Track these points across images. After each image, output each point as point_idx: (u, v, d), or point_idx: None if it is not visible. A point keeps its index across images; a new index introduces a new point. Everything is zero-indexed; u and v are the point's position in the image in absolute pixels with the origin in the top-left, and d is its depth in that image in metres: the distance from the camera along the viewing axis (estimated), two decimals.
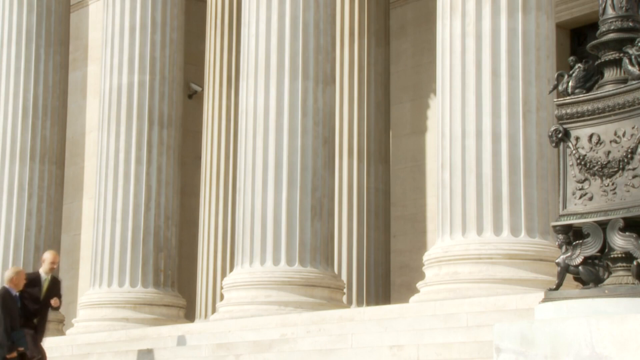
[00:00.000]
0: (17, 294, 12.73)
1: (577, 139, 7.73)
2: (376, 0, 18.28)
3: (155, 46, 16.86)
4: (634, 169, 7.40)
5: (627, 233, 7.29)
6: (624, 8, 7.77)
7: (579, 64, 7.90)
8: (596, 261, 7.51)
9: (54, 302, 13.09)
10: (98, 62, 18.87)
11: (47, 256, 13.40)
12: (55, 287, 13.25)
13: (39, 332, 13.04)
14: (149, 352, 13.34)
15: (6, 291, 12.72)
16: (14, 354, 12.33)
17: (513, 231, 11.88)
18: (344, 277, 16.76)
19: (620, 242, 7.30)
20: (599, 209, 7.51)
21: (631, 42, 7.63)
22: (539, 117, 12.11)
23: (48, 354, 15.29)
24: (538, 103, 12.13)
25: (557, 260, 7.66)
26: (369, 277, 17.39)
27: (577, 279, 7.65)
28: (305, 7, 14.34)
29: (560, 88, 7.95)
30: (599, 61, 7.84)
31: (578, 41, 17.38)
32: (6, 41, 19.12)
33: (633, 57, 7.50)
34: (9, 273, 13.03)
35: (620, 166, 7.47)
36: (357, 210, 17.54)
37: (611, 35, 7.77)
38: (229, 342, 12.69)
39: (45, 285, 13.12)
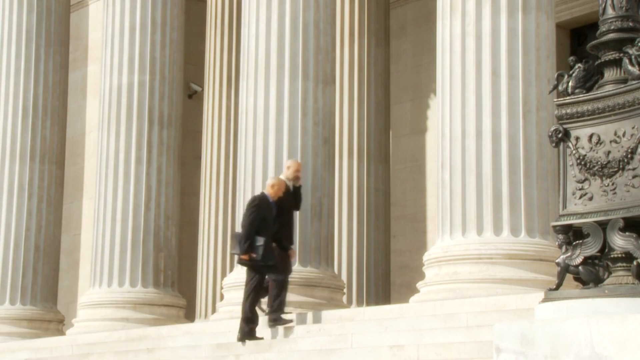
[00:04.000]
0: (274, 202, 12.77)
1: (577, 139, 7.73)
2: (376, 0, 18.27)
3: (155, 46, 16.85)
4: (634, 169, 7.40)
5: (627, 233, 7.29)
6: (624, 8, 7.77)
7: (579, 64, 7.90)
8: (596, 261, 7.51)
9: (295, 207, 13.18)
10: (98, 62, 18.86)
11: (291, 163, 13.29)
12: (298, 195, 13.18)
13: (287, 240, 12.99)
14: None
15: (264, 197, 12.82)
16: (246, 257, 12.42)
17: (513, 231, 11.88)
18: (344, 277, 16.75)
19: (620, 242, 7.31)
20: (599, 209, 7.51)
21: (631, 42, 7.63)
22: (539, 117, 12.11)
23: (48, 354, 15.31)
24: (538, 103, 12.13)
25: (557, 260, 7.66)
26: (369, 277, 17.38)
27: (577, 279, 7.65)
28: (305, 7, 14.33)
29: (560, 88, 7.95)
30: (599, 61, 7.84)
31: (578, 41, 17.38)
32: (6, 41, 19.10)
33: (633, 57, 7.51)
34: (270, 180, 13.04)
35: (620, 166, 7.47)
36: (357, 210, 17.53)
37: (611, 35, 7.77)
38: (229, 342, 12.68)
39: (291, 193, 13.09)
